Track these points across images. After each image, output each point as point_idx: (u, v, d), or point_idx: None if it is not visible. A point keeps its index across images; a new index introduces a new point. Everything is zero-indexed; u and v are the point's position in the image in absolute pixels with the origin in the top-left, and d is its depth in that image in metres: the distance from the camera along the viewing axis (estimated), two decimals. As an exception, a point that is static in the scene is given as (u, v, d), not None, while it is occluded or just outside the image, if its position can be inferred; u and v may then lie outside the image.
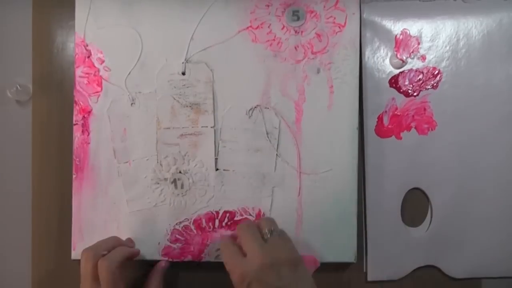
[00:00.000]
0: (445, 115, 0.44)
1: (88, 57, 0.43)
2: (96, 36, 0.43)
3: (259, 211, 0.43)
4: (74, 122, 0.42)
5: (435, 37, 0.44)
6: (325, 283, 0.44)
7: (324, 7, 0.42)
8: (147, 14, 0.42)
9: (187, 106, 0.42)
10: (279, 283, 0.34)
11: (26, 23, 0.45)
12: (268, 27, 0.43)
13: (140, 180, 0.43)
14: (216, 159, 0.43)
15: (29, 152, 0.44)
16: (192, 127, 0.42)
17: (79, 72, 0.42)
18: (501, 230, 0.44)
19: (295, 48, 0.43)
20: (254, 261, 0.34)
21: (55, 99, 0.44)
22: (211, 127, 0.43)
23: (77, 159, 0.42)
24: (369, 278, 0.44)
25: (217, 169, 0.43)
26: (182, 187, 0.43)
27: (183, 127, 0.42)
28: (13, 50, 0.45)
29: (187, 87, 0.42)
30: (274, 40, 0.43)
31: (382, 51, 0.44)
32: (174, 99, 0.42)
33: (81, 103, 0.42)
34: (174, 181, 0.43)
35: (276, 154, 0.43)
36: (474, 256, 0.44)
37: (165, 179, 0.43)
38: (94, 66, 0.43)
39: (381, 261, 0.44)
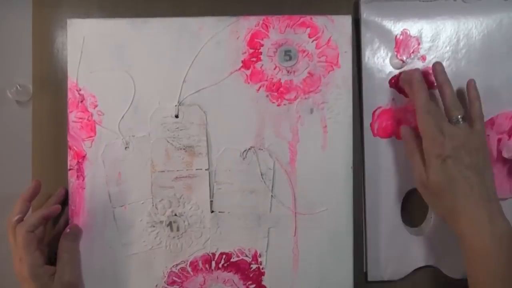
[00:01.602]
0: None
1: (81, 101, 0.43)
2: (89, 80, 0.43)
3: (255, 252, 0.43)
4: (69, 167, 0.43)
5: (435, 38, 0.44)
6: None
7: (316, 46, 0.42)
8: (139, 57, 0.42)
9: (181, 148, 0.42)
10: (470, 163, 0.37)
11: (26, 23, 0.44)
12: (260, 67, 0.43)
13: (136, 223, 0.43)
14: (211, 201, 0.42)
15: (29, 152, 0.44)
16: (187, 169, 0.42)
17: (72, 117, 0.43)
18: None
19: (288, 88, 0.43)
20: (453, 140, 0.37)
21: (55, 99, 0.44)
22: (206, 170, 0.43)
23: (73, 205, 0.42)
24: (369, 278, 0.44)
25: (212, 211, 0.43)
26: (178, 229, 0.43)
27: (177, 170, 0.42)
28: (13, 50, 0.45)
29: (181, 129, 0.42)
30: (266, 80, 0.43)
31: (382, 51, 0.44)
32: (168, 142, 0.42)
33: (75, 148, 0.42)
34: (170, 224, 0.43)
35: (271, 195, 0.43)
36: None
37: (161, 222, 0.43)
38: (88, 111, 0.43)
39: (381, 261, 0.44)
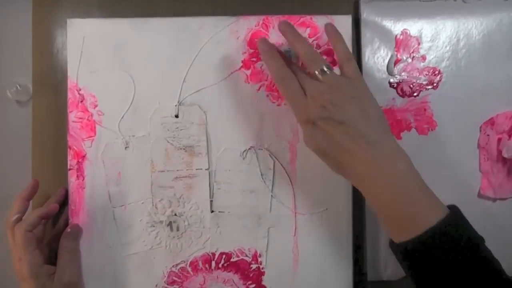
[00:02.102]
0: (445, 115, 0.44)
1: (81, 101, 0.43)
2: (89, 80, 0.43)
3: (255, 251, 0.43)
4: (69, 167, 0.43)
5: (435, 37, 0.44)
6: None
7: (316, 46, 0.42)
8: (139, 57, 0.42)
9: (181, 148, 0.42)
10: (343, 117, 0.34)
11: (26, 23, 0.44)
12: (260, 67, 0.43)
13: (136, 223, 0.43)
14: (211, 201, 0.42)
15: (29, 152, 0.44)
16: (187, 169, 0.42)
17: (72, 117, 0.43)
18: (501, 230, 0.44)
19: (288, 88, 0.43)
20: (317, 99, 0.34)
21: (55, 99, 0.44)
22: (206, 169, 0.42)
23: (73, 204, 0.42)
24: (369, 278, 0.44)
25: (212, 211, 0.43)
26: (177, 229, 0.43)
27: (177, 170, 0.42)
28: (13, 50, 0.45)
29: (181, 129, 0.42)
30: (266, 80, 0.43)
31: (382, 51, 0.44)
32: (168, 142, 0.42)
33: (75, 147, 0.42)
34: (170, 224, 0.43)
35: (271, 195, 0.43)
36: None
37: (161, 222, 0.43)
38: (88, 111, 0.43)
39: (381, 261, 0.44)
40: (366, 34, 0.43)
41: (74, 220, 0.42)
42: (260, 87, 0.43)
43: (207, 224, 0.43)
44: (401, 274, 0.44)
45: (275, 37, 0.42)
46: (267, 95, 0.43)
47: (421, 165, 0.43)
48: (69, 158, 0.43)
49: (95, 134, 0.43)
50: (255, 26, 0.43)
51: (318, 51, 0.42)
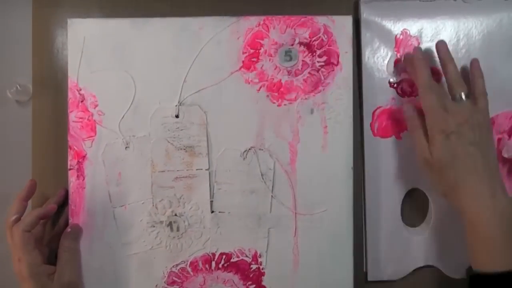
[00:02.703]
0: None
1: (82, 101, 0.43)
2: (89, 80, 0.43)
3: (255, 252, 0.43)
4: (69, 167, 0.43)
5: (435, 37, 0.44)
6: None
7: (317, 46, 0.42)
8: (140, 57, 0.42)
9: (181, 149, 0.42)
10: (474, 140, 0.37)
11: (26, 23, 0.44)
12: (261, 68, 0.43)
13: (136, 223, 0.43)
14: (211, 201, 0.42)
15: (29, 152, 0.44)
16: (187, 170, 0.42)
17: (72, 117, 0.43)
18: None
19: (288, 88, 0.43)
20: (457, 116, 0.38)
21: (55, 99, 0.44)
22: (206, 170, 0.43)
23: (73, 204, 0.42)
24: (369, 278, 0.44)
25: (212, 212, 0.43)
26: (178, 229, 0.43)
27: (177, 170, 0.42)
28: (13, 50, 0.45)
29: (181, 129, 0.42)
30: (267, 80, 0.43)
31: (382, 51, 0.44)
32: (168, 142, 0.42)
33: (75, 147, 0.42)
34: (170, 224, 0.43)
35: (272, 195, 0.43)
36: None
37: (161, 222, 0.43)
38: (88, 111, 0.43)
39: (381, 261, 0.44)
40: (366, 34, 0.43)
41: (75, 220, 0.42)
42: (261, 87, 0.43)
43: (207, 225, 0.43)
44: (401, 274, 0.44)
45: (276, 37, 0.42)
46: (267, 96, 0.43)
47: None
48: (69, 158, 0.43)
49: (95, 134, 0.43)
50: (256, 26, 0.43)
51: (318, 51, 0.42)
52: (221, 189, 0.43)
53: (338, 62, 0.42)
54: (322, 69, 0.43)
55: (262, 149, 0.43)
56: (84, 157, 0.43)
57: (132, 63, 0.43)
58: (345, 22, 0.42)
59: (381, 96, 0.44)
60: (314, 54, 0.43)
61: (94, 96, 0.43)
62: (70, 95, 0.43)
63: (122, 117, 0.43)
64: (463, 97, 0.39)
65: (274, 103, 0.43)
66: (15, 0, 0.45)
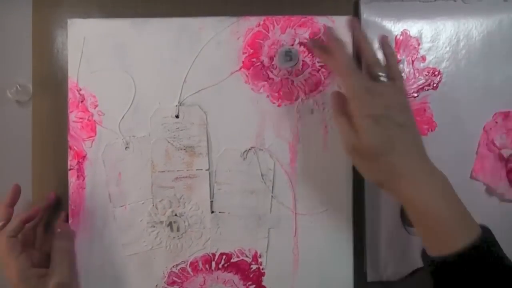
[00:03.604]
0: (445, 116, 0.44)
1: (82, 101, 0.43)
2: (89, 80, 0.43)
3: (256, 252, 0.43)
4: (69, 167, 0.43)
5: (435, 38, 0.44)
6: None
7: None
8: (140, 57, 0.42)
9: (181, 149, 0.42)
10: (402, 121, 0.34)
11: (26, 23, 0.45)
12: (261, 68, 0.43)
13: (136, 223, 0.43)
14: (211, 201, 0.42)
15: (29, 152, 0.44)
16: (187, 170, 0.42)
17: (72, 117, 0.43)
18: (501, 230, 0.42)
19: (288, 88, 0.43)
20: (382, 99, 0.35)
21: (55, 99, 0.44)
22: (206, 170, 0.42)
23: (73, 204, 0.42)
24: (369, 278, 0.44)
25: (212, 212, 0.43)
26: (178, 230, 0.43)
27: (177, 170, 0.42)
28: (13, 50, 0.45)
29: (181, 130, 0.42)
30: (267, 81, 0.43)
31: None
32: (168, 142, 0.42)
33: (75, 148, 0.43)
34: (170, 224, 0.43)
35: (272, 196, 0.43)
36: None
37: (161, 222, 0.43)
38: (88, 111, 0.43)
39: (381, 262, 0.44)
40: (366, 35, 0.43)
41: (74, 220, 0.42)
42: (261, 87, 0.43)
43: (207, 225, 0.43)
44: (401, 274, 0.44)
45: (276, 37, 0.42)
46: (267, 96, 0.43)
47: None
48: (69, 158, 0.43)
49: (95, 134, 0.43)
50: (256, 27, 0.43)
51: (319, 51, 0.42)
52: (221, 189, 0.43)
53: (338, 62, 0.42)
54: (322, 69, 0.43)
55: (262, 149, 0.43)
56: (84, 157, 0.43)
57: (132, 64, 0.42)
58: (345, 23, 0.42)
59: None
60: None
61: (94, 96, 0.43)
62: (70, 95, 0.43)
63: (122, 117, 0.43)
64: (384, 77, 0.36)
65: (274, 103, 0.43)
66: (15, 0, 0.45)
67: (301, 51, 0.42)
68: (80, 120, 0.43)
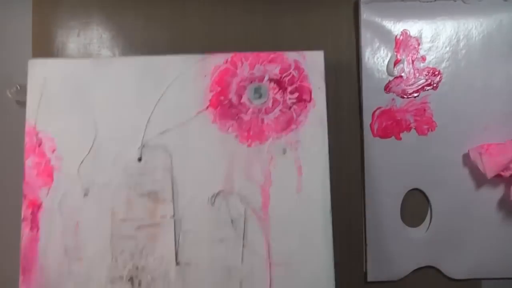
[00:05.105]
0: (445, 116, 0.44)
1: (39, 145, 0.40)
2: (48, 123, 0.40)
3: (227, 309, 0.39)
4: (22, 218, 0.39)
5: (435, 38, 0.44)
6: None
7: (288, 82, 0.40)
8: (102, 98, 0.40)
9: (144, 195, 0.39)
10: None
11: (26, 23, 0.45)
12: (229, 107, 0.40)
13: (94, 279, 0.39)
14: (176, 252, 0.39)
15: None
16: (150, 218, 0.39)
17: (28, 163, 0.40)
18: (501, 231, 0.44)
19: (259, 128, 0.40)
20: None
21: None
22: (171, 217, 0.39)
23: (25, 260, 0.39)
24: (369, 279, 0.44)
25: (177, 264, 0.39)
26: (139, 285, 0.39)
27: (140, 218, 0.39)
28: (13, 50, 0.45)
29: (144, 174, 0.40)
30: (235, 120, 0.40)
31: (382, 51, 0.44)
32: (130, 188, 0.39)
33: (30, 196, 0.39)
34: (131, 279, 0.39)
35: (243, 244, 0.39)
36: (474, 256, 0.44)
37: (121, 278, 0.39)
38: (45, 155, 0.40)
39: (381, 262, 0.44)
40: (366, 35, 0.44)
41: (26, 278, 0.39)
42: (229, 127, 0.40)
43: (172, 279, 0.39)
44: (400, 274, 0.44)
45: (245, 74, 0.40)
46: (236, 136, 0.40)
47: (421, 166, 0.43)
48: (23, 208, 0.39)
49: (52, 181, 0.40)
50: (224, 63, 0.41)
51: (290, 88, 0.40)
52: (188, 238, 0.39)
53: (310, 98, 0.40)
54: (294, 106, 0.40)
55: (232, 193, 0.39)
56: (39, 206, 0.39)
57: (93, 105, 0.40)
58: (316, 57, 0.40)
59: (380, 96, 0.44)
60: (285, 90, 0.40)
61: (52, 139, 0.40)
62: (27, 139, 0.40)
63: (82, 162, 0.40)
64: None
65: (243, 143, 0.40)
66: (15, 0, 0.45)
67: (271, 88, 0.40)
68: (37, 165, 0.40)
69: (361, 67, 0.44)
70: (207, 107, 0.40)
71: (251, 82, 0.40)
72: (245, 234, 0.39)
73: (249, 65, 0.41)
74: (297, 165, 0.40)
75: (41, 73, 0.41)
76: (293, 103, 0.40)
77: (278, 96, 0.40)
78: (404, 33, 0.44)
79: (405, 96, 0.44)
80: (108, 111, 0.40)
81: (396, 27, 0.44)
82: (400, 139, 0.44)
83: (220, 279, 0.39)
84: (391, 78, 0.44)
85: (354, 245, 0.43)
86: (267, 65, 0.41)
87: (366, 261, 0.44)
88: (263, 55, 0.41)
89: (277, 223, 0.39)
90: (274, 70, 0.41)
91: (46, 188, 0.40)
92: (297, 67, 0.41)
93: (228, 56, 0.41)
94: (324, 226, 0.39)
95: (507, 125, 0.44)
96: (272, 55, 0.41)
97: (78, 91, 0.41)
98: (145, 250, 0.39)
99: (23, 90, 0.43)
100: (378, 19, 0.44)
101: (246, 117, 0.40)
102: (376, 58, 0.44)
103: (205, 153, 0.40)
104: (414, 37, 0.44)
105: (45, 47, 0.45)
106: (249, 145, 0.40)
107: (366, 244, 0.44)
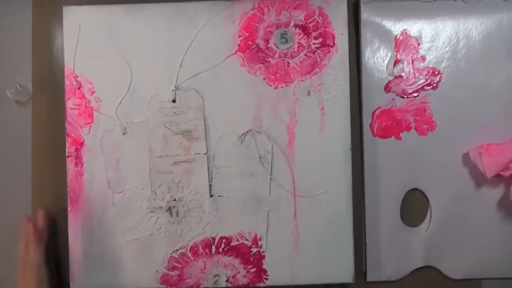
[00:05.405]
0: (445, 116, 0.44)
1: (79, 88, 0.43)
2: (86, 67, 0.43)
3: (255, 235, 0.43)
4: (67, 154, 0.42)
5: (435, 38, 0.44)
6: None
7: (312, 28, 0.42)
8: (135, 43, 0.42)
9: (179, 133, 0.42)
10: None
11: (26, 23, 0.45)
12: (257, 51, 0.43)
13: (135, 209, 0.43)
14: (210, 185, 0.42)
15: (29, 152, 0.45)
16: (185, 154, 0.42)
17: (70, 104, 0.43)
18: (500, 230, 0.44)
19: (285, 71, 0.43)
20: None
21: (55, 99, 0.44)
22: (204, 154, 0.42)
23: (72, 192, 0.42)
24: (369, 278, 0.44)
25: (211, 196, 0.43)
26: (177, 214, 0.43)
27: (176, 155, 0.42)
28: (13, 50, 0.45)
29: (178, 114, 0.42)
30: (263, 63, 0.43)
31: (382, 51, 0.44)
32: (166, 127, 0.42)
33: (73, 135, 0.42)
34: (169, 209, 0.43)
35: (270, 178, 0.43)
36: (474, 256, 0.44)
37: (160, 208, 0.42)
38: (85, 97, 0.43)
39: (381, 262, 0.44)
40: (366, 34, 0.44)
41: (74, 208, 0.42)
42: (257, 70, 0.43)
43: (206, 209, 0.43)
44: (401, 274, 0.44)
45: (271, 20, 0.42)
46: (264, 78, 0.43)
47: (421, 166, 0.44)
48: (67, 145, 0.43)
49: (92, 120, 0.43)
50: (251, 10, 0.43)
51: (314, 33, 0.42)
52: (220, 173, 0.42)
53: (334, 43, 0.42)
54: (318, 51, 0.43)
55: (260, 132, 0.43)
56: (82, 144, 0.42)
57: (127, 49, 0.42)
58: (339, 4, 0.42)
59: (380, 96, 0.44)
60: (309, 36, 0.42)
61: (91, 82, 0.43)
62: (67, 82, 0.43)
63: (119, 103, 0.42)
64: None
65: (270, 85, 0.43)
66: (15, 0, 0.45)
67: (297, 33, 0.42)
68: (78, 107, 0.43)
69: (361, 66, 0.44)
70: (236, 51, 0.43)
71: (278, 27, 0.42)
72: (272, 169, 0.43)
73: (275, 11, 0.42)
74: (320, 105, 0.42)
75: (75, 20, 0.43)
76: (317, 48, 0.42)
77: (303, 41, 0.42)
78: (404, 33, 0.44)
79: (405, 96, 0.44)
80: (142, 55, 0.42)
81: (396, 27, 0.44)
82: (400, 139, 0.44)
83: (249, 209, 0.42)
84: (391, 78, 0.44)
85: (354, 245, 0.42)
86: (293, 11, 0.42)
87: (365, 261, 0.44)
88: (289, 1, 0.42)
89: (302, 159, 0.42)
90: (299, 16, 0.42)
91: (87, 127, 0.43)
92: (321, 14, 0.42)
93: (255, 2, 0.42)
94: (345, 162, 0.42)
95: (507, 125, 0.44)
96: (297, 1, 0.42)
97: (112, 36, 0.43)
98: (181, 184, 0.42)
99: (23, 90, 0.44)
100: (378, 19, 0.44)
101: (273, 61, 0.43)
102: (376, 58, 0.44)
103: (234, 94, 0.42)
104: (414, 37, 0.44)
105: (45, 47, 0.45)
106: (275, 87, 0.43)
107: (366, 244, 0.44)
